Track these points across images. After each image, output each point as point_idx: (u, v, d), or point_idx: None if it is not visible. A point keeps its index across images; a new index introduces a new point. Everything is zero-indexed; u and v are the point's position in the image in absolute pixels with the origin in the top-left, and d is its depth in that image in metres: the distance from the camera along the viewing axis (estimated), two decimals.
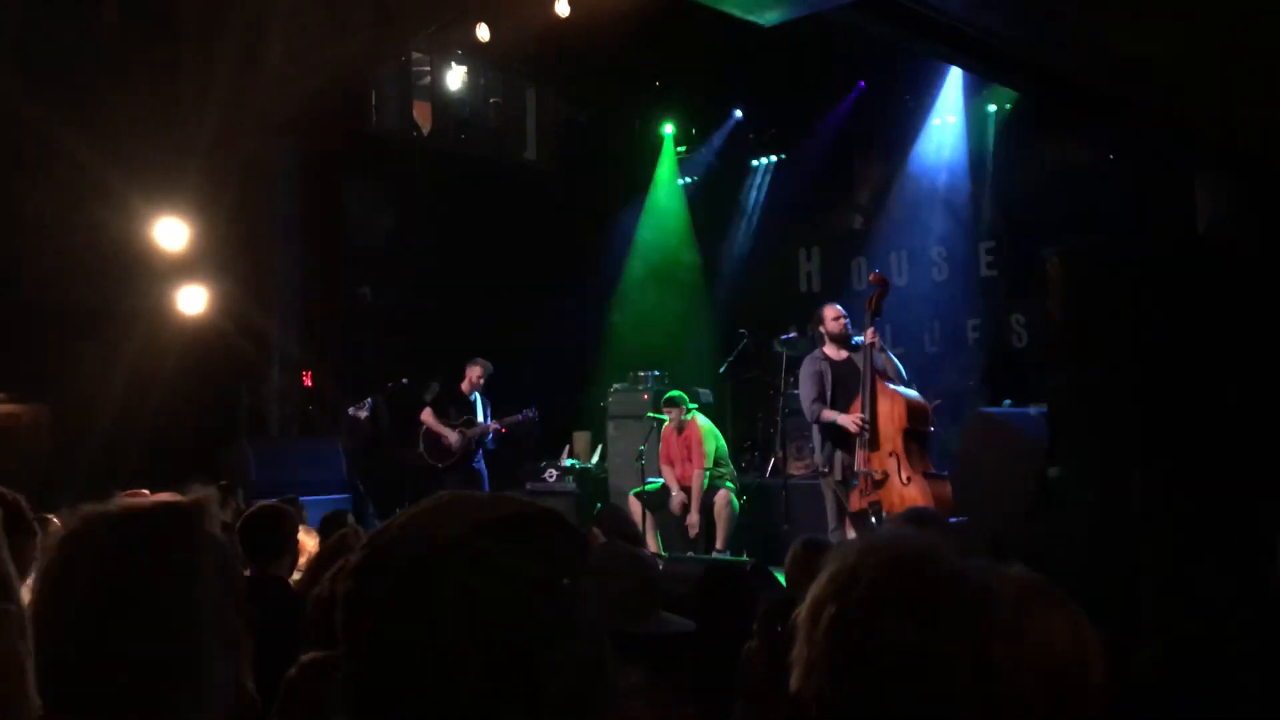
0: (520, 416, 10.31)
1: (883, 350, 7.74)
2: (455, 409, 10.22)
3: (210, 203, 8.97)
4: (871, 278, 8.12)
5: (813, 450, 10.19)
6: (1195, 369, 7.40)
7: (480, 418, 10.24)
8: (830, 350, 7.95)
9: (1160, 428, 7.37)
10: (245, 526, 4.17)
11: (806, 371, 8.02)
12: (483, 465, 10.28)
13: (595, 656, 1.10)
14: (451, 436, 10.05)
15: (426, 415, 10.20)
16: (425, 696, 1.04)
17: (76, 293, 8.02)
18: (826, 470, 7.78)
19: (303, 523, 6.00)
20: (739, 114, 12.61)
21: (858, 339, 7.77)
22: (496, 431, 10.27)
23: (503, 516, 1.10)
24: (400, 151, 11.54)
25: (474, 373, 10.29)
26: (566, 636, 1.07)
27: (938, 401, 8.52)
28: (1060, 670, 1.64)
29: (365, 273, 11.86)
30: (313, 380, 11.04)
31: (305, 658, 2.76)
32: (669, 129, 13.10)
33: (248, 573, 3.99)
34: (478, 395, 10.30)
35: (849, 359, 7.84)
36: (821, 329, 8.07)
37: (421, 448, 10.19)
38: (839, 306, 8.11)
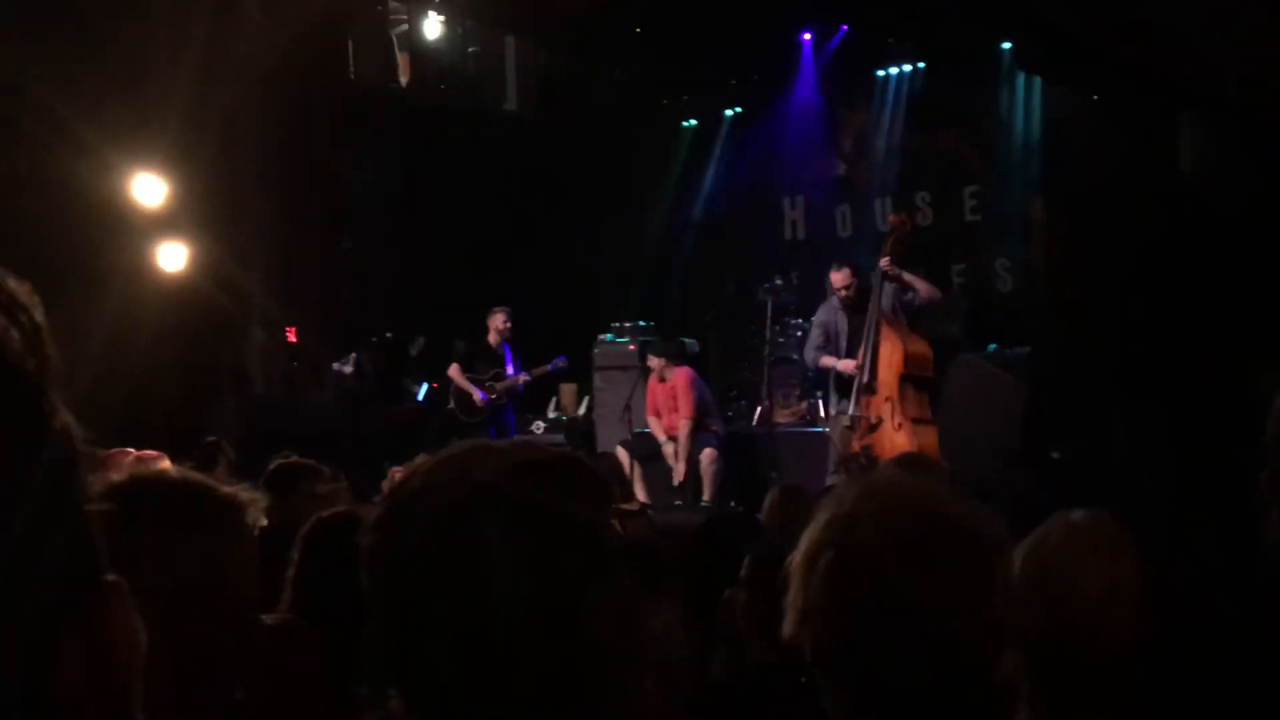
0: (550, 367, 10.22)
1: (903, 274, 7.58)
2: (483, 363, 10.15)
3: (188, 157, 8.85)
4: (890, 219, 8.04)
5: (799, 398, 10.23)
6: (1179, 311, 7.42)
7: (510, 370, 10.16)
8: (843, 309, 7.94)
9: (1144, 371, 7.39)
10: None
11: (818, 318, 8.04)
12: (511, 418, 10.20)
13: (627, 597, 1.10)
14: (476, 394, 10.00)
15: (454, 372, 10.13)
16: (465, 645, 1.03)
17: (52, 250, 7.94)
18: (833, 415, 7.79)
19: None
20: (719, 63, 12.49)
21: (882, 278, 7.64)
22: (526, 383, 10.17)
23: (531, 460, 1.10)
24: (379, 102, 11.41)
25: (497, 321, 10.18)
26: (602, 577, 1.07)
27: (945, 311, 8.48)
28: (1109, 612, 1.64)
29: (346, 226, 11.76)
30: (296, 336, 10.98)
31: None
32: (651, 77, 12.98)
33: None
34: (506, 346, 10.22)
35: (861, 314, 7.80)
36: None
37: (452, 404, 10.14)
38: (847, 272, 7.95)
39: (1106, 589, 1.70)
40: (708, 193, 12.93)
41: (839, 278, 7.95)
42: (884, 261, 7.53)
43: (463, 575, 1.03)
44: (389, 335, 11.04)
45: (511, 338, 10.24)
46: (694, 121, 13.31)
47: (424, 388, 10.57)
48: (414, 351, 10.43)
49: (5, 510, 0.59)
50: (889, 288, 7.64)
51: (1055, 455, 7.15)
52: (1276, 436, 1.66)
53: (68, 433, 0.65)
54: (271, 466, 4.61)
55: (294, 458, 4.78)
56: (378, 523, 1.10)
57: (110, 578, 0.65)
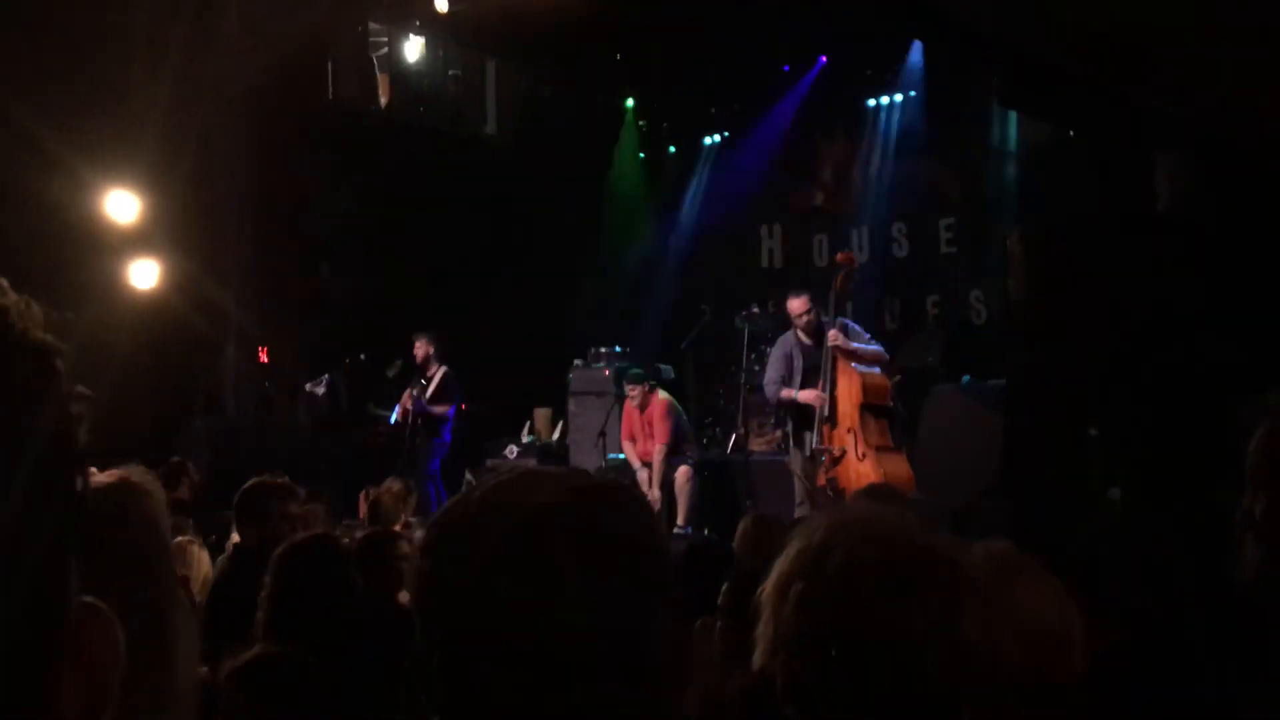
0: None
1: (847, 349, 7.70)
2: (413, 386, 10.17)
3: (163, 175, 8.80)
4: (839, 257, 8.12)
5: (774, 426, 10.24)
6: (1154, 346, 7.46)
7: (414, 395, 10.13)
8: (803, 335, 7.96)
9: (1120, 405, 7.42)
10: (363, 550, 4.10)
11: (775, 353, 8.07)
12: (433, 445, 10.09)
13: (678, 619, 1.12)
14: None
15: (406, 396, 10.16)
16: (534, 666, 1.01)
17: (24, 266, 7.86)
18: (796, 447, 7.81)
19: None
20: (698, 90, 12.55)
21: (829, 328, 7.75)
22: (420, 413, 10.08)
23: (588, 485, 1.11)
24: (358, 124, 11.40)
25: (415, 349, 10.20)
26: (662, 597, 1.07)
27: (898, 378, 8.56)
28: (1042, 642, 1.62)
29: (323, 247, 11.72)
30: (269, 356, 10.91)
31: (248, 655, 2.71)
32: (630, 103, 13.03)
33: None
34: (436, 371, 10.16)
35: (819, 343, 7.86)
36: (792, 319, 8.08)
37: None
38: (805, 299, 8.00)
39: (1057, 615, 1.69)
40: (686, 219, 12.96)
41: (798, 304, 7.98)
42: (832, 334, 7.59)
43: (532, 597, 1.02)
44: (363, 356, 10.98)
45: (429, 364, 10.17)
46: (673, 149, 13.36)
47: (395, 410, 10.52)
48: (391, 374, 10.38)
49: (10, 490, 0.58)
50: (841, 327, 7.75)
51: (1114, 493, 7.11)
52: (1255, 469, 1.65)
53: (71, 421, 0.64)
54: (246, 486, 4.57)
55: (269, 477, 4.74)
56: (430, 547, 1.10)
57: (88, 599, 0.65)
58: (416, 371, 10.17)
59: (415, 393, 10.03)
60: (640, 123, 13.16)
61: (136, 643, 1.25)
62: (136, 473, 1.47)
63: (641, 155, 13.27)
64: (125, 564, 1.32)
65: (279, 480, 4.67)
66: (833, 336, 7.62)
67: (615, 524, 1.07)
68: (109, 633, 0.64)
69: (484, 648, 1.03)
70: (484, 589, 1.03)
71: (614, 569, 1.04)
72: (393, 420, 10.09)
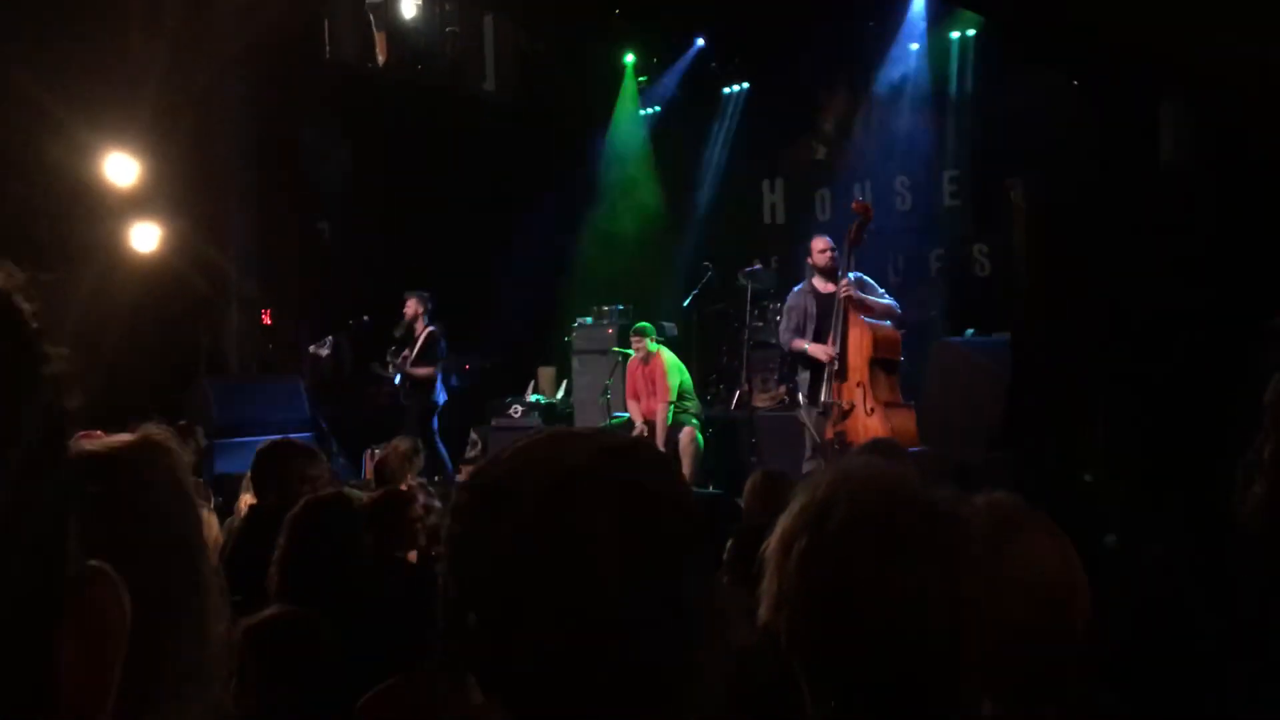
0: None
1: (857, 298, 7.67)
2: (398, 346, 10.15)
3: (162, 137, 8.76)
4: (854, 206, 8.07)
5: (778, 382, 10.24)
6: (1157, 299, 7.44)
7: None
8: (818, 283, 7.95)
9: (1123, 360, 7.42)
10: (376, 509, 4.09)
11: (789, 303, 8.07)
12: (417, 405, 10.06)
13: (710, 568, 1.13)
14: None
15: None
16: (575, 622, 1.02)
17: (24, 230, 7.85)
18: (807, 402, 7.82)
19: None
20: (700, 42, 12.45)
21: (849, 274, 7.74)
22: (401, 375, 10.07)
23: (614, 443, 1.12)
24: (356, 83, 11.32)
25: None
26: (696, 548, 1.09)
27: (902, 331, 8.55)
28: (1046, 594, 1.63)
29: (323, 207, 11.69)
30: (272, 318, 10.91)
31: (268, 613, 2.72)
32: (630, 58, 12.92)
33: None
34: (423, 331, 10.12)
35: (836, 292, 7.84)
36: (809, 260, 8.07)
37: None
38: (828, 239, 8.05)
39: (1061, 567, 1.69)
40: (688, 176, 12.89)
41: (820, 242, 8.01)
42: (844, 284, 7.57)
43: (570, 557, 1.03)
44: (366, 318, 10.97)
45: (417, 323, 10.14)
46: (662, 107, 13.24)
47: (328, 340, 10.52)
48: (398, 334, 10.37)
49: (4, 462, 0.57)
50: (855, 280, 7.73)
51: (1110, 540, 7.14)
52: (1272, 413, 1.65)
53: (60, 388, 0.64)
54: (263, 448, 4.56)
55: (288, 439, 4.73)
56: (463, 509, 1.10)
57: (94, 562, 0.65)
58: (405, 331, 10.14)
59: (394, 357, 10.01)
60: (641, 78, 13.06)
61: (168, 604, 1.25)
62: (155, 430, 1.47)
63: (642, 111, 13.17)
64: (151, 523, 1.32)
65: (298, 442, 4.66)
66: (844, 287, 7.59)
67: (647, 482, 1.08)
68: (114, 596, 0.64)
69: (523, 608, 1.03)
70: (521, 550, 1.04)
71: (649, 528, 1.05)
72: (397, 380, 10.09)
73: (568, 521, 1.04)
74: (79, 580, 0.63)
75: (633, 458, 1.10)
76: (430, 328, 10.07)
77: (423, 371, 9.94)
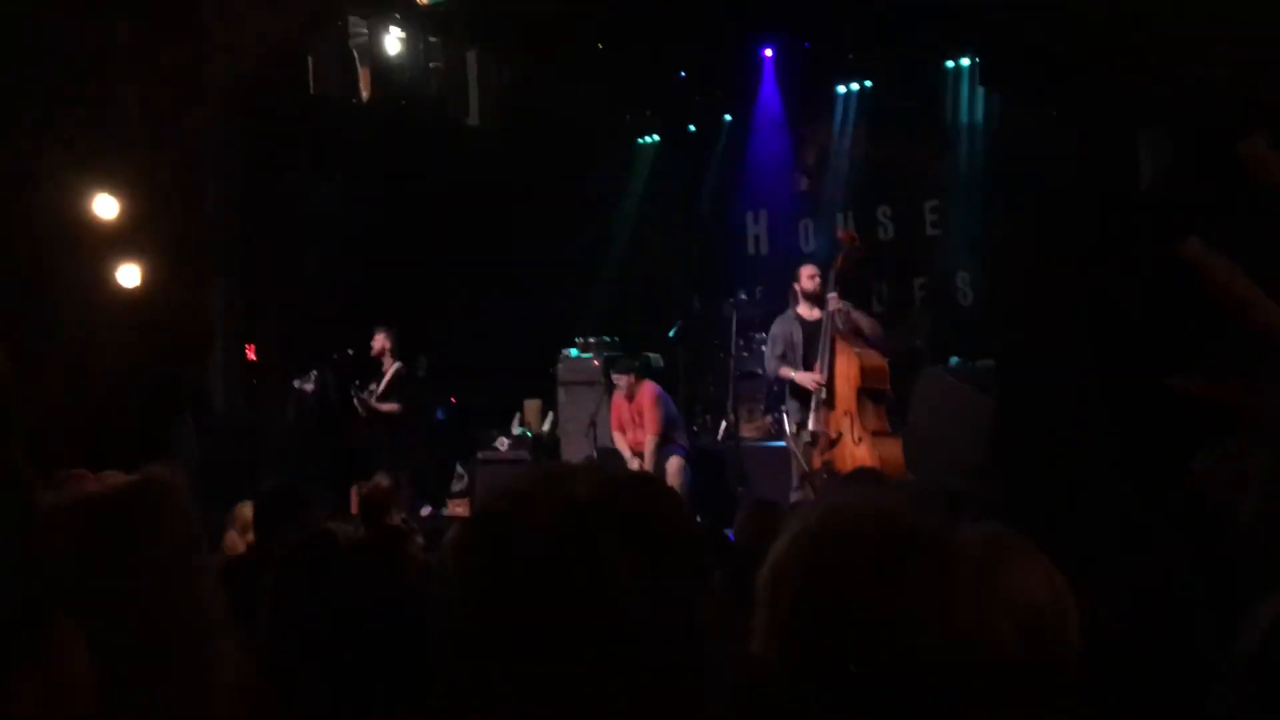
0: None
1: (846, 316, 7.70)
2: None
3: (145, 174, 8.75)
4: (841, 235, 8.12)
5: (764, 412, 10.25)
6: (1138, 325, 7.47)
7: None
8: (803, 309, 7.98)
9: (1109, 385, 7.44)
10: (374, 547, 4.04)
11: (774, 331, 8.10)
12: (386, 442, 9.98)
13: (714, 606, 1.15)
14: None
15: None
16: (588, 664, 1.02)
17: (6, 268, 7.82)
18: (795, 430, 7.83)
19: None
20: (682, 75, 12.53)
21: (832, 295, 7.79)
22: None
23: (621, 477, 1.14)
24: (341, 119, 11.35)
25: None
26: (704, 579, 1.11)
27: (886, 360, 8.57)
28: (1037, 623, 1.63)
29: (308, 243, 11.68)
30: (256, 353, 10.88)
31: None
32: (612, 91, 12.98)
33: None
34: (390, 366, 10.08)
35: (821, 319, 7.87)
36: (796, 286, 8.11)
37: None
38: (816, 267, 8.12)
39: (1050, 595, 1.69)
40: (672, 208, 12.95)
41: (807, 269, 8.04)
42: (832, 299, 7.61)
43: (584, 587, 1.03)
44: (350, 352, 10.95)
45: (385, 358, 10.08)
46: (657, 137, 13.33)
47: (313, 375, 10.45)
48: (420, 372, 10.35)
49: None
50: (843, 319, 7.76)
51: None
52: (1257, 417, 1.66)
53: (20, 453, 0.63)
54: (266, 490, 4.49)
55: (286, 483, 4.69)
56: (469, 546, 1.10)
57: (61, 618, 0.64)
58: (369, 365, 10.11)
59: (358, 392, 9.96)
60: (627, 115, 13.13)
61: (171, 646, 1.23)
62: (157, 470, 1.45)
63: (625, 144, 13.24)
64: (155, 565, 1.30)
65: (297, 486, 4.63)
66: (833, 300, 7.61)
67: (656, 514, 1.09)
68: (74, 646, 0.63)
69: (540, 639, 1.03)
70: (533, 585, 1.04)
71: (659, 559, 1.06)
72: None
73: (580, 557, 1.04)
74: (36, 626, 0.62)
75: (641, 491, 1.11)
76: (397, 363, 10.05)
77: (389, 407, 9.91)
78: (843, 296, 7.91)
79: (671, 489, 1.21)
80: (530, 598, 1.04)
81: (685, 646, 1.05)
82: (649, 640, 1.03)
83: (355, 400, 9.93)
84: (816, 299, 7.90)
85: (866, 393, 7.54)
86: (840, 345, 7.60)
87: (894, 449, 7.51)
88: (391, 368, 10.01)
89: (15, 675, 0.60)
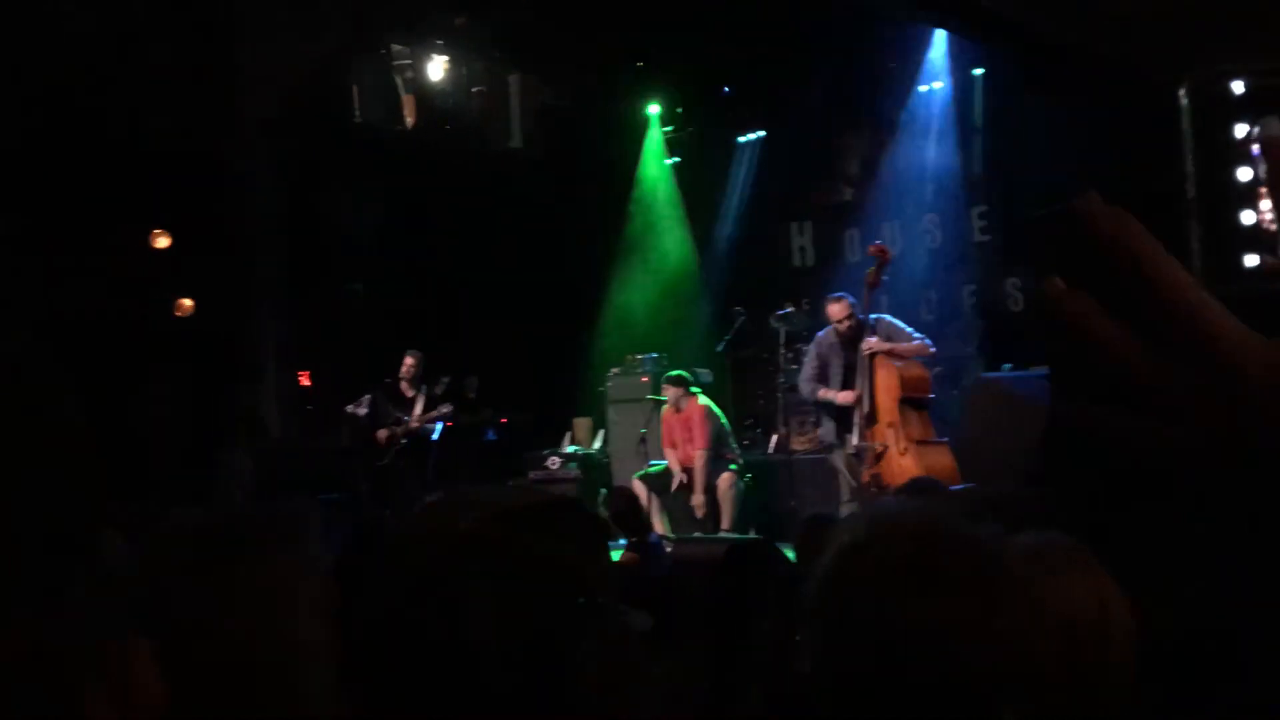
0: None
1: (884, 351, 7.59)
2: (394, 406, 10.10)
3: (197, 204, 8.91)
4: (870, 249, 8.05)
5: (815, 425, 10.19)
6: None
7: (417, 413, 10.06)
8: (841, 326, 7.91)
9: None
10: None
11: (810, 351, 8.03)
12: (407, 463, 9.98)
13: (620, 642, 1.08)
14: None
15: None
16: (450, 700, 1.00)
17: (66, 301, 7.97)
18: (839, 445, 7.76)
19: None
20: (725, 90, 12.54)
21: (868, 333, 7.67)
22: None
23: (517, 505, 1.09)
24: (385, 145, 11.47)
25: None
26: (590, 621, 1.05)
27: (938, 369, 8.50)
28: (1079, 637, 1.60)
29: (356, 269, 11.81)
30: (309, 379, 11.00)
31: None
32: (654, 109, 13.03)
33: None
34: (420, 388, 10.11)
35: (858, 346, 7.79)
36: (831, 319, 8.02)
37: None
38: (844, 303, 7.87)
39: (1097, 610, 1.65)
40: (716, 222, 12.94)
41: (837, 309, 7.85)
42: (867, 345, 7.47)
43: (447, 624, 1.01)
44: (398, 376, 11.04)
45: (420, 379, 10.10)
46: (699, 152, 13.33)
47: (366, 400, 10.48)
48: (471, 394, 10.39)
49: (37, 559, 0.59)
50: (882, 326, 7.66)
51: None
52: None
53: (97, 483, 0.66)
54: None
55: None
56: (379, 569, 1.09)
57: (137, 637, 0.67)
58: (447, 388, 10.14)
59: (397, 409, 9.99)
60: (667, 128, 13.16)
61: (258, 676, 1.24)
62: (287, 504, 1.45)
63: (668, 161, 13.26)
64: (250, 596, 1.30)
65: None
66: (868, 346, 7.51)
67: (535, 547, 1.05)
68: (148, 666, 0.66)
69: (412, 675, 1.01)
70: (406, 617, 1.03)
71: (532, 594, 1.02)
72: (435, 436, 10.07)
73: (448, 592, 1.01)
74: (110, 643, 0.64)
75: (525, 523, 1.06)
76: (423, 385, 10.10)
77: (430, 427, 9.99)
78: (888, 306, 7.84)
79: (580, 517, 1.13)
80: (399, 626, 1.03)
81: (557, 683, 1.01)
82: (515, 678, 1.00)
83: (386, 430, 9.94)
84: (852, 336, 7.75)
85: (908, 402, 7.47)
86: (879, 359, 7.53)
87: (942, 456, 7.43)
88: (420, 393, 10.05)
89: (88, 691, 0.63)
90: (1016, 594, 1.30)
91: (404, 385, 10.08)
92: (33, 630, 0.60)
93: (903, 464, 7.28)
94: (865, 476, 7.40)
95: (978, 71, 11.00)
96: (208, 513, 1.36)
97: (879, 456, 7.40)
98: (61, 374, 0.66)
